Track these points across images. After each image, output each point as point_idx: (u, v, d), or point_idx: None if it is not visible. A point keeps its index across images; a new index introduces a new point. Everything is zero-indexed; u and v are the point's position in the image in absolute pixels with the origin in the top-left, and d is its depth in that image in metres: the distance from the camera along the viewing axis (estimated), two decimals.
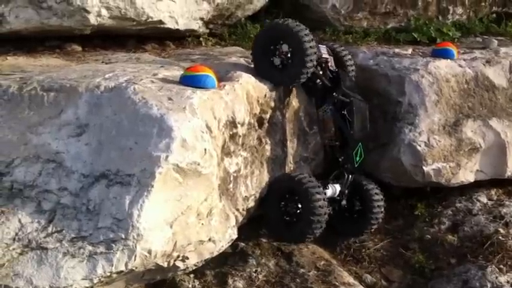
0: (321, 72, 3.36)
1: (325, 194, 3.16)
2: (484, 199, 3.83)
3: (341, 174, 3.38)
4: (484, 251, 3.41)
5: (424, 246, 3.54)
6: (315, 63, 3.19)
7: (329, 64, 3.42)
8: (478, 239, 3.51)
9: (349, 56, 3.62)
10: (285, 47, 3.15)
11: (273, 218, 3.25)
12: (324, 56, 3.39)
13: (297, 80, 3.23)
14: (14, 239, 2.38)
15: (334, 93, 3.34)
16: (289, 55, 3.15)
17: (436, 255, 3.48)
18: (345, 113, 3.35)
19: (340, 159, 3.38)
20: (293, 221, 3.17)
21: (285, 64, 3.18)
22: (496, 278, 3.24)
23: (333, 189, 3.30)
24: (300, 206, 3.13)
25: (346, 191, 3.37)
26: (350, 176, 3.37)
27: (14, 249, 2.36)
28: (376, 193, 3.42)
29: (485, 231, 3.53)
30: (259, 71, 3.23)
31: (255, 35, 3.34)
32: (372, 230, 3.54)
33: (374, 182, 3.48)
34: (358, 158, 3.36)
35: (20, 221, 2.42)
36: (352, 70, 3.60)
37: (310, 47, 3.11)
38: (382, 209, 3.45)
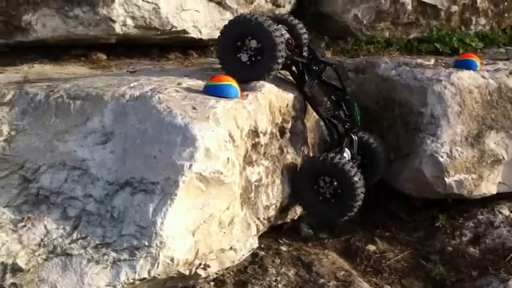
0: (289, 53, 3.25)
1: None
2: (506, 211, 3.79)
3: (350, 139, 3.39)
4: (505, 264, 3.37)
5: (445, 258, 3.51)
6: (284, 54, 3.10)
7: (292, 42, 3.30)
8: (499, 252, 3.47)
9: (301, 25, 3.44)
10: (253, 43, 3.05)
11: (309, 201, 3.29)
12: (286, 36, 3.26)
13: (267, 76, 3.13)
14: (39, 245, 2.42)
15: (313, 67, 3.31)
16: (258, 51, 3.05)
17: (457, 267, 3.44)
18: (325, 78, 3.34)
19: (346, 126, 3.36)
20: (332, 201, 3.23)
21: (254, 60, 3.08)
22: None
23: (348, 154, 3.33)
24: (336, 185, 3.19)
25: (357, 153, 3.44)
26: (356, 137, 3.40)
27: (39, 255, 2.39)
28: (379, 143, 3.55)
29: (507, 243, 3.49)
30: (225, 67, 3.12)
31: (220, 31, 3.17)
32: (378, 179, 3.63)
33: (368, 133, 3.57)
34: (358, 117, 3.38)
35: (45, 227, 2.46)
36: (306, 37, 3.45)
37: (281, 42, 3.04)
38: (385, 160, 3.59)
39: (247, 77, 3.07)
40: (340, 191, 3.20)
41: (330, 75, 3.44)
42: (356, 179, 3.14)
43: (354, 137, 3.39)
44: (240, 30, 3.08)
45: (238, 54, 3.08)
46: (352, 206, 3.20)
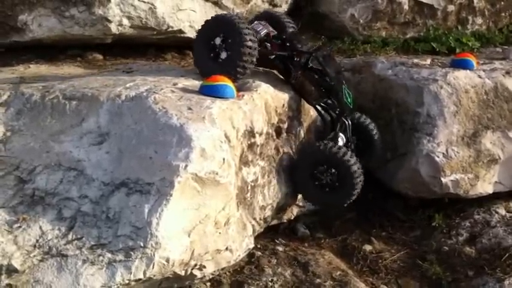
0: (268, 45, 3.25)
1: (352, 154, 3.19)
2: (502, 211, 3.80)
3: (343, 124, 3.37)
4: (502, 264, 3.37)
5: (441, 257, 3.52)
6: (256, 53, 3.05)
7: (271, 34, 3.31)
8: (496, 251, 3.47)
9: (284, 16, 3.49)
10: (225, 41, 3.03)
11: (309, 189, 3.27)
12: (262, 32, 3.25)
13: (241, 74, 3.07)
14: (34, 246, 2.41)
15: (295, 59, 3.29)
16: (229, 49, 3.03)
17: (454, 267, 3.45)
18: (312, 65, 3.32)
19: (337, 112, 3.35)
20: (332, 188, 3.20)
21: (226, 58, 3.05)
22: None
23: (342, 139, 3.31)
24: (335, 173, 3.16)
25: (351, 136, 3.40)
26: (349, 121, 3.38)
27: (34, 256, 2.39)
28: (373, 125, 3.51)
29: (503, 243, 3.50)
30: (200, 67, 3.14)
31: (198, 30, 3.19)
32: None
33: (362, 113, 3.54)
34: (349, 100, 3.36)
35: (41, 228, 2.46)
36: (292, 27, 3.45)
37: (252, 40, 3.01)
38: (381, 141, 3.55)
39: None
40: (338, 180, 3.17)
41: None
42: (355, 168, 3.12)
43: (346, 121, 3.37)
44: (212, 29, 3.08)
45: (212, 53, 3.07)
46: (351, 193, 3.17)
